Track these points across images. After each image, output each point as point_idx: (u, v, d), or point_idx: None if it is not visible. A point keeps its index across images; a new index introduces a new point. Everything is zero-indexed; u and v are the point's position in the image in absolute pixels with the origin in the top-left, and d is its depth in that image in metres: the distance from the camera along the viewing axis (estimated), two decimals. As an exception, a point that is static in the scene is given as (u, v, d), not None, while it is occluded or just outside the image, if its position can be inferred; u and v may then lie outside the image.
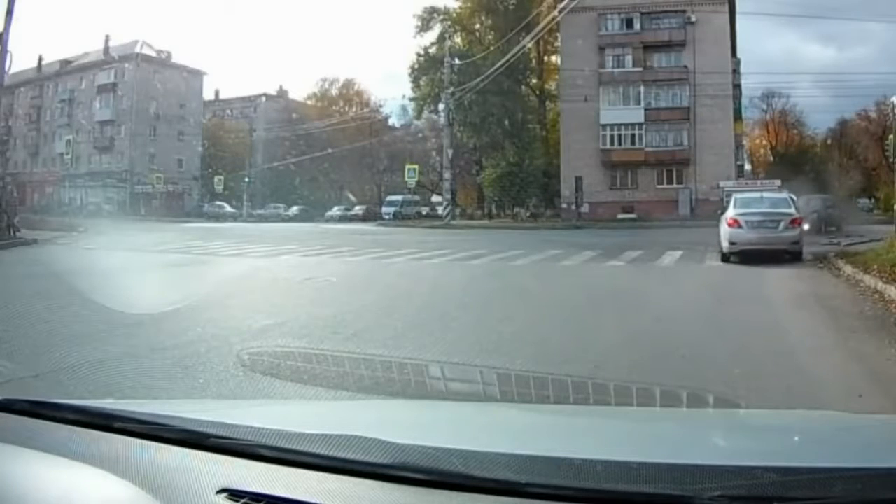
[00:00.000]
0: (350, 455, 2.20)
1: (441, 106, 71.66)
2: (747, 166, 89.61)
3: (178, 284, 18.16)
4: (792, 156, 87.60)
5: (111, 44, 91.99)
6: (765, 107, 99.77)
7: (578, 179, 62.21)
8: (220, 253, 28.25)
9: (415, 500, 2.09)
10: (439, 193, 76.08)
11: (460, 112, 72.40)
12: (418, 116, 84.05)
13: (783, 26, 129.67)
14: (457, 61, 73.91)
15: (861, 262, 19.29)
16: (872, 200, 73.19)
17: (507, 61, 62.28)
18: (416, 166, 67.57)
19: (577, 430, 3.01)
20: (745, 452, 2.48)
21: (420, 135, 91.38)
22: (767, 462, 2.12)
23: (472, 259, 25.36)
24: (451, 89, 66.04)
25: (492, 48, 72.60)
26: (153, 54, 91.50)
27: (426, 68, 77.12)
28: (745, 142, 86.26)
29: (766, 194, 28.58)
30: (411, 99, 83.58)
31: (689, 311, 13.26)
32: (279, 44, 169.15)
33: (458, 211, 72.27)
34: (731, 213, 24.30)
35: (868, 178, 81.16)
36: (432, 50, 77.44)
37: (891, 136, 68.28)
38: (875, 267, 17.69)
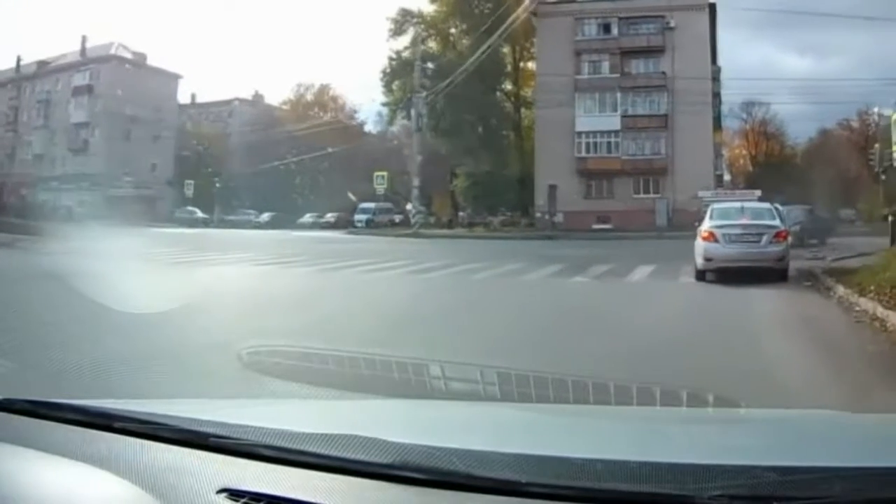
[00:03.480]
0: (350, 455, 2.20)
1: (413, 111, 68.55)
2: (727, 176, 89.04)
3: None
4: (772, 166, 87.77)
5: (88, 45, 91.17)
6: (745, 116, 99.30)
7: (552, 188, 61.48)
8: (162, 260, 27.46)
9: (415, 500, 2.10)
10: (416, 203, 73.62)
11: (433, 118, 70.65)
12: (391, 122, 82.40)
13: (761, 37, 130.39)
14: (429, 65, 73.12)
15: (854, 282, 17.37)
16: (854, 211, 72.36)
17: (477, 59, 62.51)
18: (385, 173, 66.15)
19: (577, 430, 2.99)
20: (745, 452, 2.44)
21: (395, 141, 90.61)
22: (767, 462, 2.09)
23: (427, 272, 24.44)
24: (424, 93, 65.22)
25: (464, 52, 71.09)
26: (129, 56, 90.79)
27: (398, 72, 75.64)
28: (724, 151, 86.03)
29: (747, 204, 26.53)
30: (384, 104, 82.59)
31: (651, 351, 10.21)
32: (257, 47, 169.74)
33: (432, 219, 70.41)
34: (706, 225, 22.17)
35: (850, 188, 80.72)
36: (406, 54, 75.76)
37: (876, 145, 66.89)
38: (872, 288, 15.78)
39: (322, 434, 2.33)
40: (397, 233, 57.55)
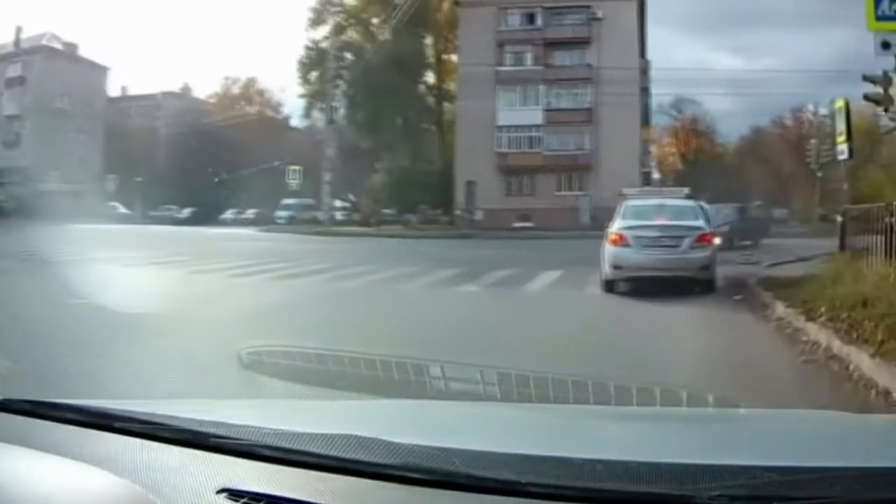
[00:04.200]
0: (350, 455, 2.21)
1: (333, 104, 67.68)
2: (656, 175, 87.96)
3: None
4: (703, 164, 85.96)
5: (24, 36, 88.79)
6: (675, 113, 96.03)
7: (470, 184, 59.86)
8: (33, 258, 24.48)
9: (415, 500, 2.12)
10: (342, 198, 74.69)
11: (351, 111, 70.49)
12: (307, 114, 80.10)
13: (693, 36, 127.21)
14: (348, 56, 72.08)
15: (798, 299, 13.99)
16: (788, 211, 71.74)
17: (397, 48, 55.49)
18: (299, 167, 64.63)
19: (578, 430, 3.01)
20: (745, 452, 2.45)
21: (320, 137, 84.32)
22: (767, 462, 2.10)
23: (303, 276, 22.64)
24: (340, 84, 65.88)
25: (385, 43, 70.43)
26: (60, 47, 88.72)
27: (316, 63, 73.63)
28: (653, 149, 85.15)
29: (667, 201, 23.90)
30: (300, 96, 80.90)
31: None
32: (191, 39, 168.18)
33: (355, 216, 70.35)
34: (615, 225, 19.32)
35: (783, 187, 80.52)
36: (324, 44, 73.21)
37: (812, 141, 64.45)
38: (822, 309, 12.24)
39: (322, 434, 2.32)
40: (311, 230, 55.33)
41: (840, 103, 20.81)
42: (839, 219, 20.41)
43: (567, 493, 2.02)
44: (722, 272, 19.68)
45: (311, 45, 76.13)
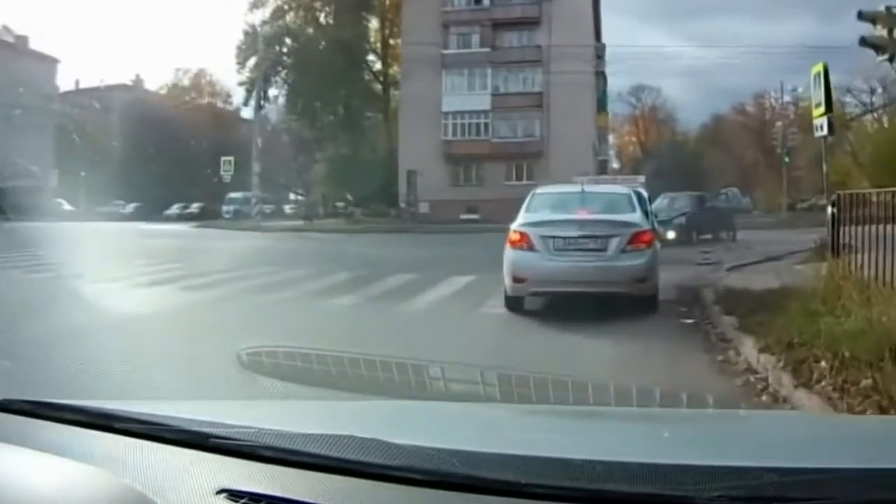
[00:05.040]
0: (350, 455, 2.20)
1: (272, 92, 68.76)
2: (615, 164, 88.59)
3: None
4: (663, 152, 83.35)
5: None
6: (634, 101, 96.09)
7: (411, 174, 57.84)
8: None
9: (414, 501, 2.11)
10: (296, 191, 68.62)
11: (291, 99, 68.58)
12: (246, 103, 74.03)
13: (651, 25, 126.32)
14: (287, 41, 68.99)
15: (776, 333, 9.49)
16: (750, 200, 65.50)
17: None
18: (231, 158, 60.96)
19: (577, 431, 3.00)
20: (745, 452, 2.44)
21: (269, 127, 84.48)
22: (767, 462, 2.09)
23: (169, 282, 19.66)
24: (280, 70, 64.70)
25: (327, 27, 68.88)
26: (10, 40, 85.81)
27: (254, 48, 69.06)
28: (611, 137, 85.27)
29: (591, 188, 18.31)
30: (239, 84, 76.13)
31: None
32: (141, 30, 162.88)
33: (302, 211, 67.90)
34: (519, 220, 14.60)
35: (745, 175, 78.57)
36: (263, 29, 69.24)
37: (778, 124, 61.06)
38: (822, 365, 7.66)
39: (322, 434, 2.30)
40: (240, 226, 53.57)
41: (818, 68, 17.04)
42: (830, 209, 15.07)
43: (567, 493, 2.01)
44: (672, 276, 16.10)
45: (248, 29, 72.61)
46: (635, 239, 13.80)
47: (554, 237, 13.74)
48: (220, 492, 2.09)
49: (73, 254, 26.63)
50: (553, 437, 2.77)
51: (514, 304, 14.12)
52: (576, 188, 16.89)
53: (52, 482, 2.14)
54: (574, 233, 13.72)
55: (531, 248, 13.72)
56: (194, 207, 75.18)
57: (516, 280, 13.87)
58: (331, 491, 2.09)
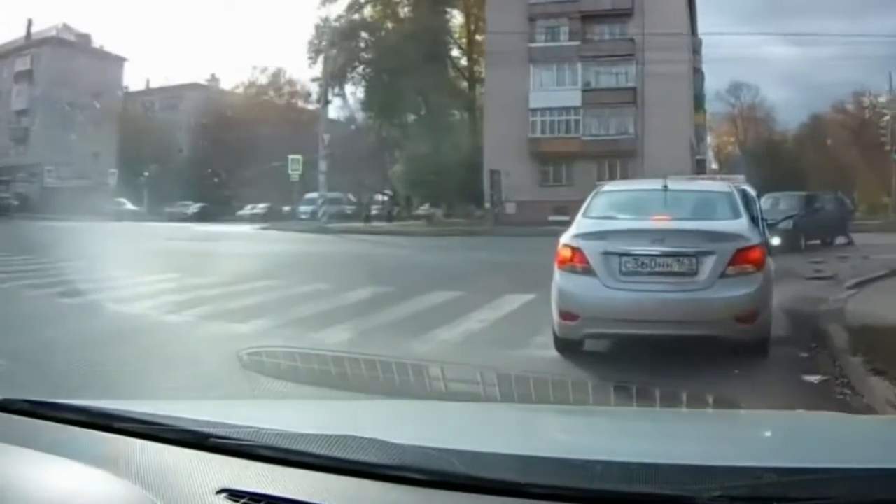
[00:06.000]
0: (350, 455, 2.21)
1: (349, 88, 67.80)
2: (714, 165, 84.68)
3: None
4: (761, 151, 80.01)
5: (36, 28, 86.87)
6: (732, 100, 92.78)
7: (494, 174, 55.05)
8: None
9: (414, 500, 2.12)
10: (383, 192, 73.07)
11: (369, 95, 66.68)
12: (318, 100, 70.90)
13: (746, 23, 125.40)
14: (364, 35, 67.39)
15: None
16: (851, 201, 61.24)
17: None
18: (300, 157, 57.35)
19: (577, 431, 2.97)
20: (745, 452, 2.46)
21: (353, 126, 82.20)
22: (767, 462, 2.13)
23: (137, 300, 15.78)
24: (357, 66, 63.27)
25: (408, 21, 66.48)
26: (72, 38, 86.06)
27: (327, 43, 66.28)
28: (709, 137, 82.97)
29: (678, 184, 12.66)
30: (313, 80, 74.86)
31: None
32: (219, 30, 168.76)
33: (396, 211, 64.95)
34: (573, 230, 10.31)
35: (844, 175, 73.40)
36: (340, 23, 68.20)
37: (885, 118, 58.69)
38: None
39: (322, 434, 2.32)
40: (302, 228, 51.28)
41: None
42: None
43: (566, 493, 2.02)
44: (780, 298, 11.59)
45: (321, 23, 70.33)
46: (740, 258, 9.58)
47: (621, 255, 9.59)
48: (220, 492, 2.10)
49: (77, 257, 24.11)
50: (553, 437, 2.81)
51: (566, 346, 10.03)
52: (655, 185, 11.68)
53: (52, 482, 2.16)
54: (651, 249, 9.61)
55: (587, 270, 9.64)
56: (260, 208, 74.09)
57: (565, 317, 9.79)
58: (331, 491, 2.10)
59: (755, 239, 10.06)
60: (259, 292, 16.93)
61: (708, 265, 9.39)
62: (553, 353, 10.03)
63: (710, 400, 3.58)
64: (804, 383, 8.72)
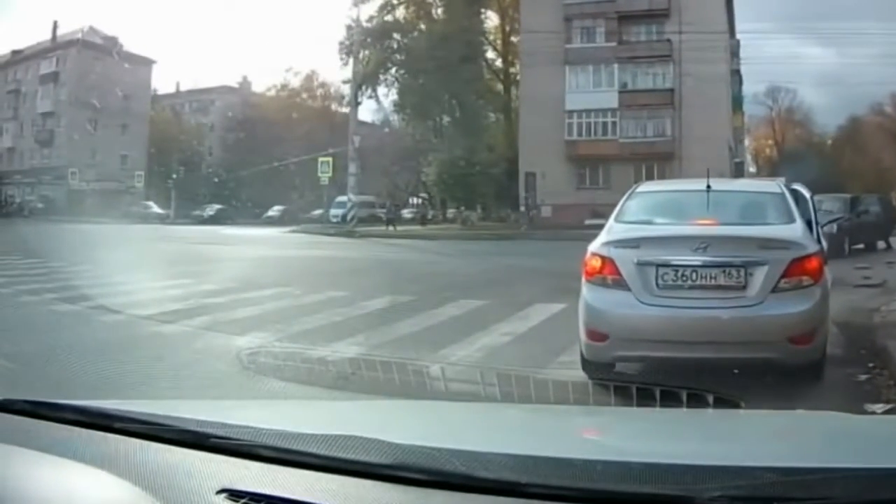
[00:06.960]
0: (350, 455, 2.22)
1: (381, 90, 66.92)
2: (752, 169, 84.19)
3: None
4: (799, 154, 78.08)
5: (62, 31, 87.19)
6: (770, 103, 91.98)
7: (529, 177, 54.74)
8: None
9: (415, 500, 2.12)
10: (417, 195, 73.69)
11: (401, 97, 65.82)
12: (351, 102, 69.47)
13: (784, 28, 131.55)
14: (396, 36, 66.22)
15: None
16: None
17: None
18: (330, 159, 56.74)
19: (577, 430, 3.02)
20: (745, 452, 2.46)
21: (387, 129, 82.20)
22: (767, 462, 2.12)
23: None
24: (390, 67, 61.87)
25: (441, 22, 65.17)
26: (98, 41, 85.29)
27: (361, 44, 66.42)
28: (747, 140, 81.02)
29: (722, 184, 10.99)
30: (344, 82, 74.86)
31: None
32: (251, 33, 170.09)
33: (431, 214, 66.66)
34: (603, 236, 8.95)
35: (882, 177, 73.03)
36: (373, 24, 67.47)
37: None
38: None
39: (322, 434, 2.32)
40: (329, 231, 51.61)
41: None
42: None
43: (566, 493, 2.02)
44: (830, 313, 9.64)
45: (352, 24, 69.41)
46: (796, 269, 8.25)
47: (658, 265, 8.32)
48: (220, 492, 2.12)
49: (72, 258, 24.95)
50: (553, 437, 2.79)
51: (595, 369, 8.40)
52: (697, 185, 9.84)
53: (52, 482, 2.18)
54: (693, 258, 8.30)
55: (619, 283, 8.37)
56: (282, 210, 73.96)
57: (593, 337, 8.47)
58: (331, 491, 2.11)
59: (812, 247, 8.70)
60: (268, 300, 16.05)
61: (759, 277, 8.17)
62: (579, 373, 8.50)
63: (710, 400, 3.57)
64: (865, 411, 7.01)
